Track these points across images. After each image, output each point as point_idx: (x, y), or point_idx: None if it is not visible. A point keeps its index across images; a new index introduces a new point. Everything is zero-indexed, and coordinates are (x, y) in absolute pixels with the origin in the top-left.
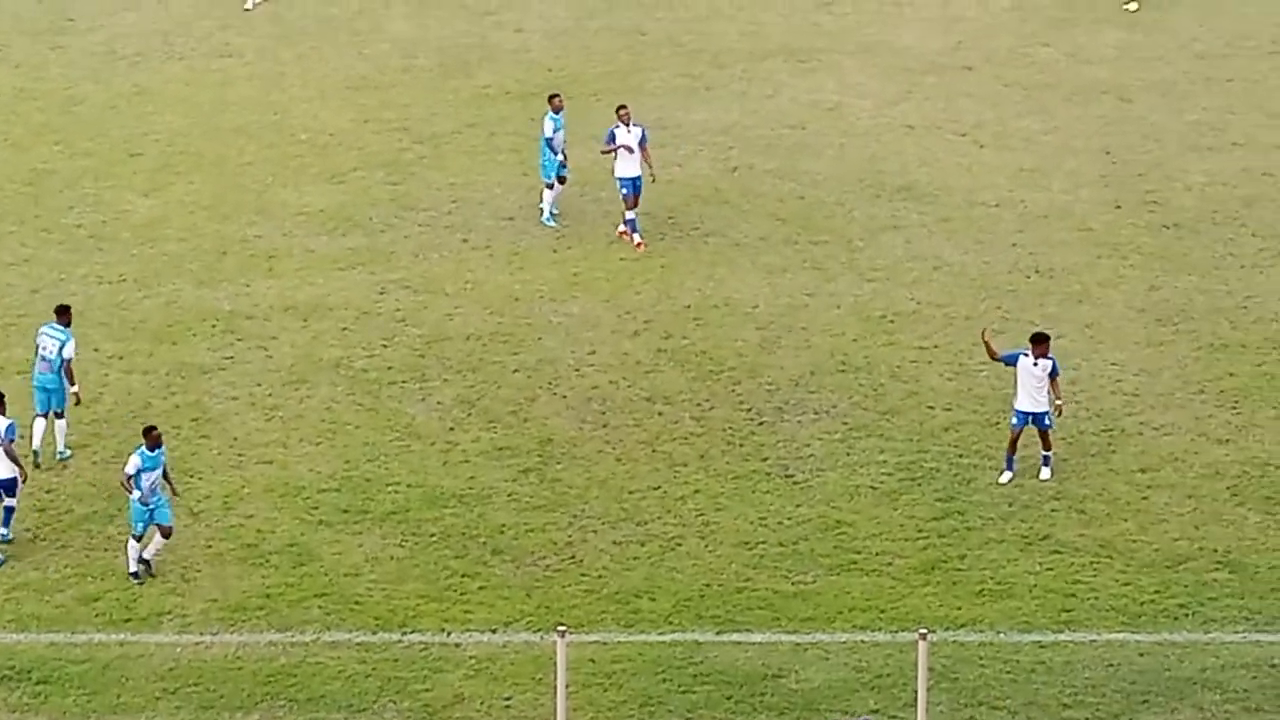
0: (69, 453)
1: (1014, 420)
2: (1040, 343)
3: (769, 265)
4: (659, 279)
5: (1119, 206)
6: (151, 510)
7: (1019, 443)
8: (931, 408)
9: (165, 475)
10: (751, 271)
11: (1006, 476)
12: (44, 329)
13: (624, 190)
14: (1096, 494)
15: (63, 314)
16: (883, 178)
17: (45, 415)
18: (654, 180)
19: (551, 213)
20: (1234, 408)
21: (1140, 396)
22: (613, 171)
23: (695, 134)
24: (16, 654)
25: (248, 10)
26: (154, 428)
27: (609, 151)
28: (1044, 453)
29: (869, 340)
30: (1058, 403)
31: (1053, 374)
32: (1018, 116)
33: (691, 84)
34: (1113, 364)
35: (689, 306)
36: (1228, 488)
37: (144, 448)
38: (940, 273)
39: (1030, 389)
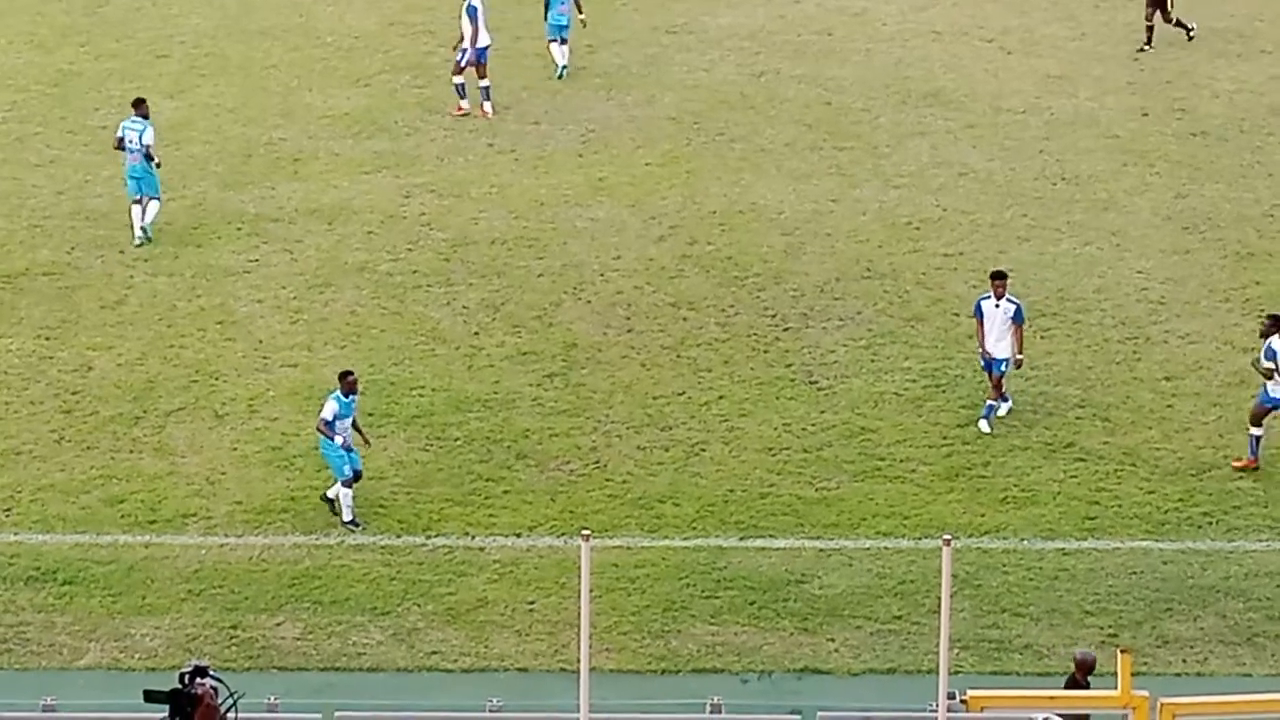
0: (148, 236)
1: (982, 363)
2: (999, 279)
3: (794, 171)
4: (684, 184)
5: (1146, 114)
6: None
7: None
8: (956, 315)
9: (355, 425)
10: (777, 177)
11: (1005, 407)
12: (125, 123)
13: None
14: (1121, 402)
15: (139, 105)
16: (909, 84)
17: (138, 201)
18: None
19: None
20: (1259, 316)
21: (1166, 304)
22: (474, 41)
23: (721, 39)
24: (42, 555)
25: None
26: (350, 372)
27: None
28: (989, 401)
29: (894, 247)
30: (1018, 356)
31: (1016, 319)
32: (1045, 23)
33: None
34: (1139, 272)
35: (714, 212)
36: (1252, 396)
37: (339, 392)
38: (966, 179)
39: (993, 333)
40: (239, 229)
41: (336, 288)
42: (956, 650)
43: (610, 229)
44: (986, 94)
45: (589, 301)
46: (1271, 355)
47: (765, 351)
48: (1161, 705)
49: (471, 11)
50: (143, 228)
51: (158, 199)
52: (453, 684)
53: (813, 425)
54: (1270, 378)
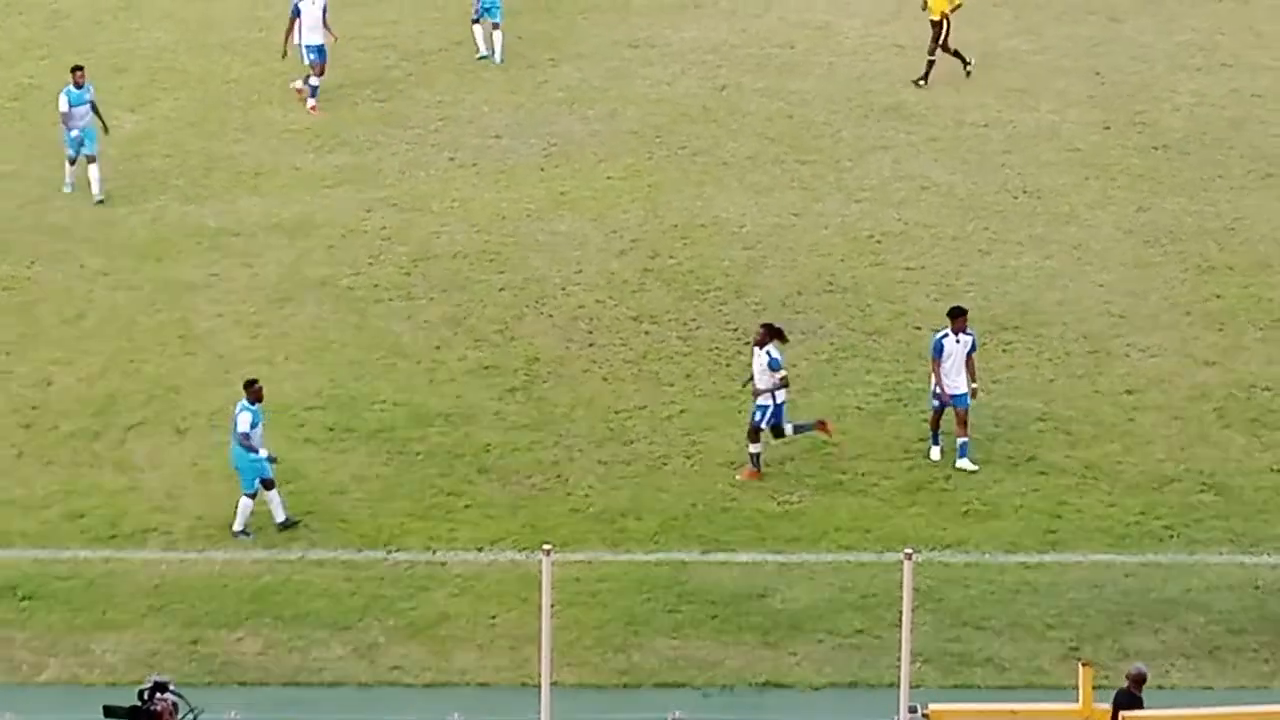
0: (103, 197)
1: (934, 403)
2: (959, 316)
3: (756, 185)
4: (646, 198)
5: (1107, 127)
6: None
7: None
8: (918, 328)
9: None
10: (739, 191)
11: (936, 451)
12: (69, 90)
13: (311, 57)
14: (1083, 415)
15: (77, 71)
16: (871, 97)
17: (74, 161)
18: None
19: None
20: (1220, 329)
21: (1127, 318)
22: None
23: (684, 52)
24: (2, 570)
25: None
26: (256, 380)
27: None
28: (961, 439)
29: (856, 260)
30: (973, 384)
31: (972, 350)
32: (1007, 36)
33: (680, 2)
34: (1100, 285)
35: (676, 226)
36: (1214, 409)
37: (246, 401)
38: (928, 193)
39: (952, 370)
40: (199, 243)
41: (297, 302)
42: (918, 664)
43: (572, 243)
44: (949, 108)
45: (551, 315)
46: (776, 365)
47: (727, 365)
48: (1123, 718)
49: (295, 11)
50: (100, 195)
51: (95, 162)
52: (414, 699)
53: (775, 440)
54: (783, 387)
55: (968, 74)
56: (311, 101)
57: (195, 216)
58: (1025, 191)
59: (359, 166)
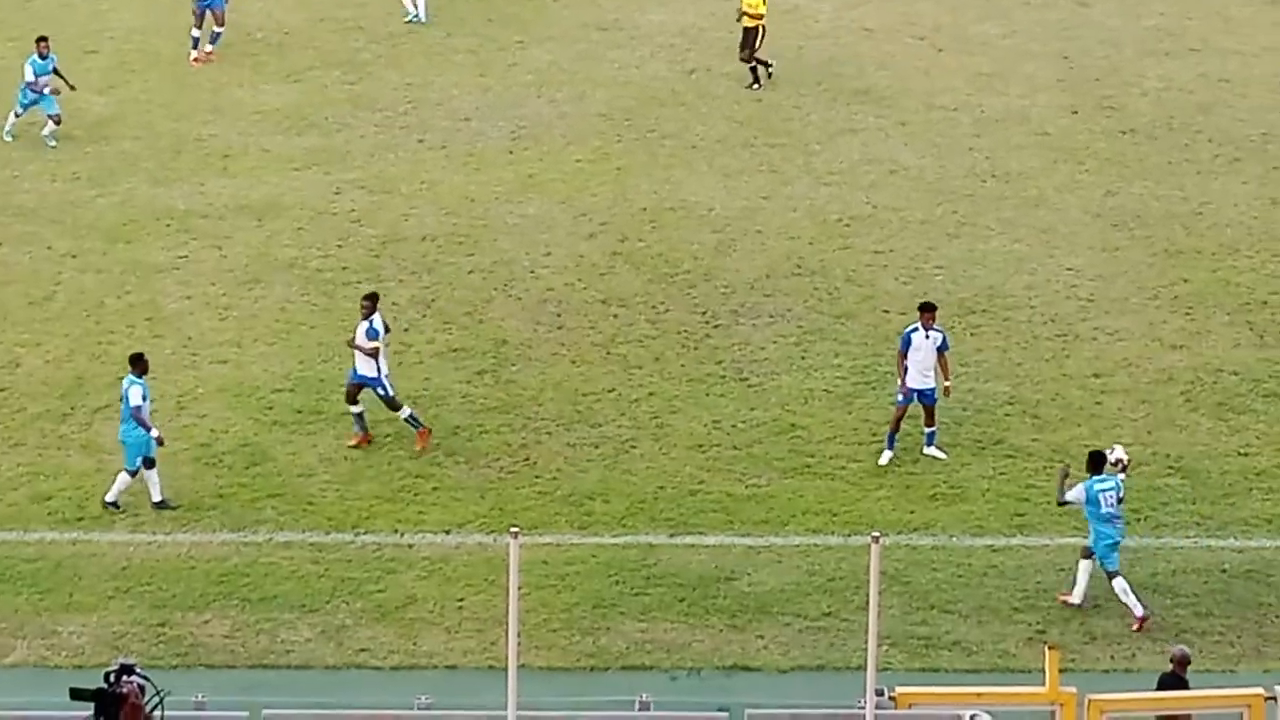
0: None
1: (899, 398)
2: (929, 311)
3: (725, 168)
4: (615, 181)
5: (1075, 111)
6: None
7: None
8: (886, 311)
9: None
10: (708, 174)
11: (887, 456)
12: (33, 59)
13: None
14: (1050, 399)
15: (41, 42)
16: (840, 81)
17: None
18: None
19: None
20: (1187, 313)
21: (1095, 301)
22: None
23: (652, 35)
24: None
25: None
26: (142, 355)
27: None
28: (928, 429)
29: (825, 244)
30: (945, 383)
31: (942, 348)
32: (976, 21)
33: None
34: (1068, 269)
35: (645, 209)
36: (1180, 393)
37: (134, 375)
38: (897, 176)
39: (920, 364)
40: (168, 225)
41: (266, 284)
42: (885, 647)
43: (541, 226)
44: (918, 91)
45: (519, 298)
46: (374, 335)
47: (695, 349)
48: (1089, 701)
49: None
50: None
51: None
52: (382, 681)
53: (742, 422)
54: (374, 356)
55: (750, 87)
56: (209, 48)
57: (164, 198)
58: (994, 175)
59: (328, 149)
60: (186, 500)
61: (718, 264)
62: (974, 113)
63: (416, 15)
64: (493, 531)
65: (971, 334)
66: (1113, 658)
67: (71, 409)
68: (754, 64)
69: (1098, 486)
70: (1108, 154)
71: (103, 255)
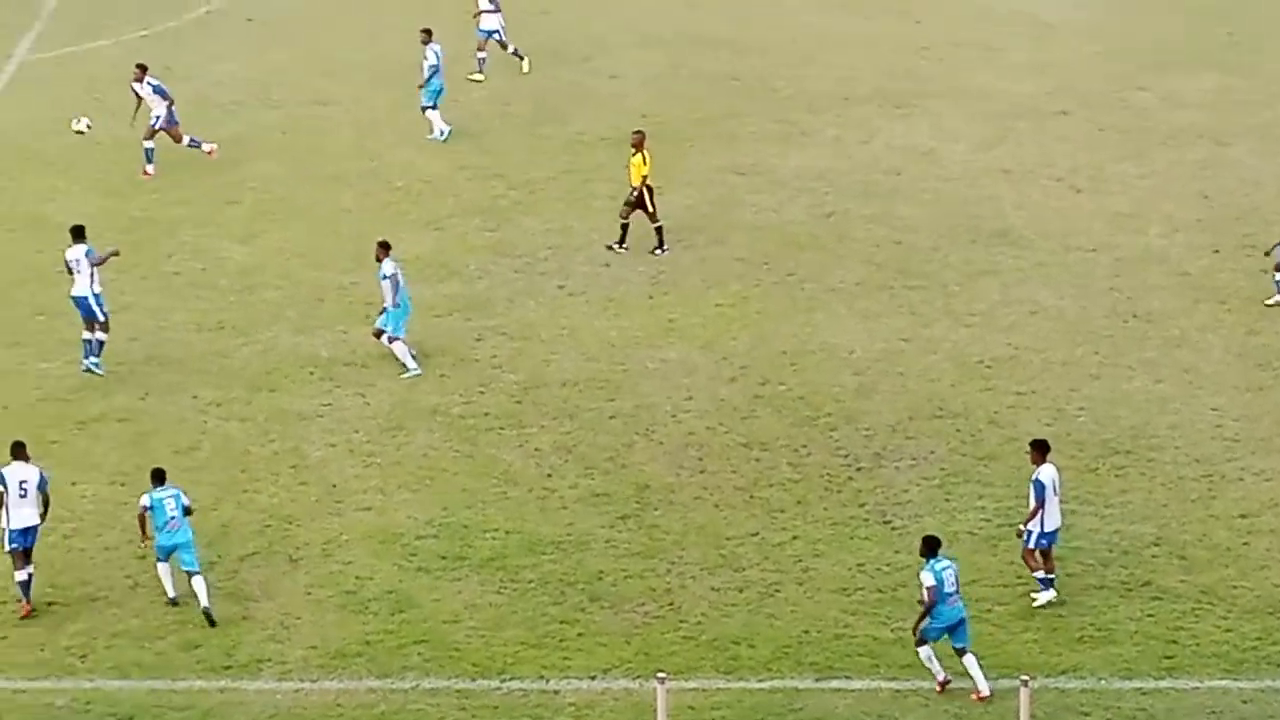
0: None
1: (1044, 541)
2: (1045, 449)
3: (865, 310)
4: (755, 324)
5: (1216, 251)
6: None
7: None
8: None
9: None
10: (847, 316)
11: (1050, 595)
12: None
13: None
14: (1197, 540)
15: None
16: (978, 222)
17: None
18: None
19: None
20: None
21: (1240, 442)
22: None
23: (790, 179)
24: (118, 701)
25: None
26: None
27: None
28: (1048, 575)
29: (966, 385)
30: (1021, 526)
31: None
32: (1113, 161)
33: (786, 130)
34: (1212, 409)
35: (785, 352)
36: None
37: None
38: (1037, 317)
39: (1053, 504)
40: (311, 373)
41: (409, 431)
42: None
43: (681, 370)
44: (1056, 232)
45: (661, 443)
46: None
47: (838, 491)
48: None
49: (160, 91)
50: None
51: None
52: None
53: (887, 565)
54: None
55: (616, 248)
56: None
57: (307, 346)
58: (1134, 315)
59: (469, 295)
60: (333, 648)
61: (859, 406)
62: (1113, 253)
63: (441, 134)
64: (639, 677)
65: (1116, 475)
66: None
67: (218, 557)
68: (627, 224)
69: (939, 566)
70: (1249, 293)
71: (247, 404)
